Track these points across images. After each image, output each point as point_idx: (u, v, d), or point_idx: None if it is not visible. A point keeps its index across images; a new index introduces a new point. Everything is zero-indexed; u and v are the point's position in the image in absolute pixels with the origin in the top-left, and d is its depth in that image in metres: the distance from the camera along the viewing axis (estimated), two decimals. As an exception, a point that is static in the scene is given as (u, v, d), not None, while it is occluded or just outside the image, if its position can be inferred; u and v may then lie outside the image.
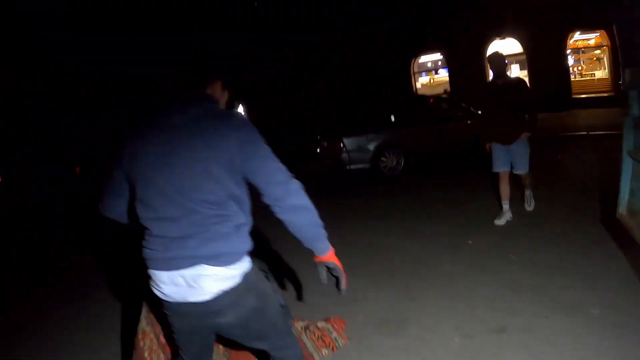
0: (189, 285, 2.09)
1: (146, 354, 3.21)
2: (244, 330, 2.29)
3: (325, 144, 11.57)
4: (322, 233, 2.23)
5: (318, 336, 3.71)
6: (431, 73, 25.48)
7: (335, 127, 11.87)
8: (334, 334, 3.76)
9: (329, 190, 10.77)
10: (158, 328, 3.19)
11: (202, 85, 2.32)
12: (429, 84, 25.20)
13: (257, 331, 2.32)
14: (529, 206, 6.37)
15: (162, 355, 3.19)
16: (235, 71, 2.51)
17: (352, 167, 11.08)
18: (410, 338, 3.68)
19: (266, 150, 2.13)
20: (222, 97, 2.40)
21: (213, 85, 2.34)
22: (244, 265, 2.16)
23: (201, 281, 2.07)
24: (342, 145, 11.00)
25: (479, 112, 9.27)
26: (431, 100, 13.46)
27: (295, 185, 2.14)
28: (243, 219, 2.15)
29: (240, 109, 33.90)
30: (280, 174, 2.12)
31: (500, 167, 5.97)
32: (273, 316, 2.35)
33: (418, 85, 25.45)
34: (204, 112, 2.14)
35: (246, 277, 2.16)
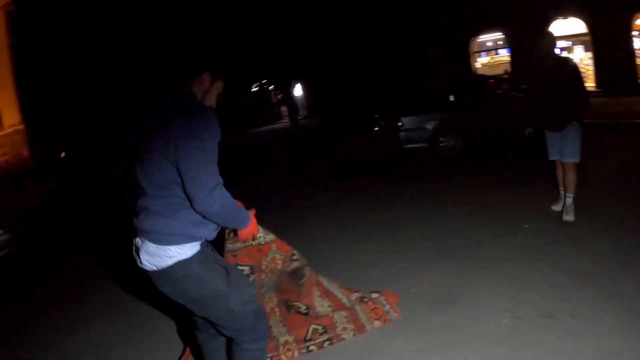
0: (139, 253, 2.40)
1: None
2: (195, 310, 2.53)
3: (383, 122, 11.61)
4: (236, 220, 2.46)
5: (371, 308, 3.87)
6: (491, 52, 24.83)
7: (393, 106, 11.86)
8: (387, 307, 3.90)
9: (385, 170, 10.85)
10: None
11: (188, 82, 2.49)
12: (489, 64, 24.59)
13: (211, 317, 2.51)
14: (568, 215, 5.57)
15: None
16: (223, 63, 2.64)
17: (410, 146, 11.12)
18: (460, 316, 3.76)
19: (198, 150, 2.22)
20: (213, 89, 2.56)
21: (201, 79, 2.50)
22: (181, 251, 2.33)
23: (140, 252, 2.38)
24: (400, 124, 11.02)
25: (525, 94, 9.05)
26: (491, 80, 13.24)
27: (214, 195, 2.23)
28: (187, 203, 2.31)
29: (298, 87, 34.04)
30: (204, 179, 2.23)
31: (554, 155, 5.76)
32: (227, 312, 2.45)
33: (477, 65, 24.87)
34: (174, 109, 2.36)
35: (184, 265, 2.34)
